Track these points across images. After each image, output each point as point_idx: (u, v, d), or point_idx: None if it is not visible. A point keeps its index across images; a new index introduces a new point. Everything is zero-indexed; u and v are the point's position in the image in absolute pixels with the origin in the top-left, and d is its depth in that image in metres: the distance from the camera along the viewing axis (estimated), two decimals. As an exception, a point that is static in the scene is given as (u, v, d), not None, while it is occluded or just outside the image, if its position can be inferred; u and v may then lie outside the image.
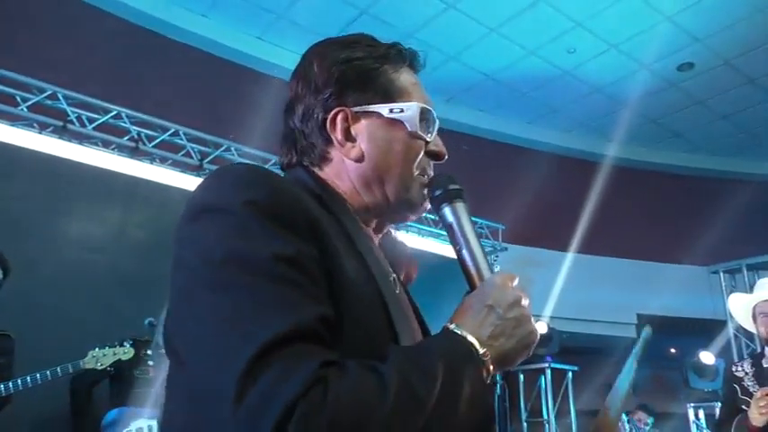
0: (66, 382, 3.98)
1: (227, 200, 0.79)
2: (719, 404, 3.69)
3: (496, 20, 6.47)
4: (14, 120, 4.53)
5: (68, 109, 4.70)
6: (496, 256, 6.98)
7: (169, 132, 5.22)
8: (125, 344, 3.87)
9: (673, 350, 8.94)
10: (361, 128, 1.00)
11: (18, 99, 4.53)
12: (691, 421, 6.89)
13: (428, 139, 1.04)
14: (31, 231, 4.53)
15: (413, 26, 6.36)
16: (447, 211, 0.98)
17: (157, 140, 5.14)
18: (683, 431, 6.92)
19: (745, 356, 5.58)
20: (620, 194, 8.10)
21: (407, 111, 1.01)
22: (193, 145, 5.36)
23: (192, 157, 5.34)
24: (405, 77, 1.05)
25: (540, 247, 7.76)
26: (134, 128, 5.02)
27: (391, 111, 1.00)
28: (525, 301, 0.90)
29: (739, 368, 2.75)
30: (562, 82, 7.47)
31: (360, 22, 6.16)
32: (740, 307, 2.83)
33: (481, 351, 0.82)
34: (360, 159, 1.00)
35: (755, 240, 7.42)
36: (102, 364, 3.74)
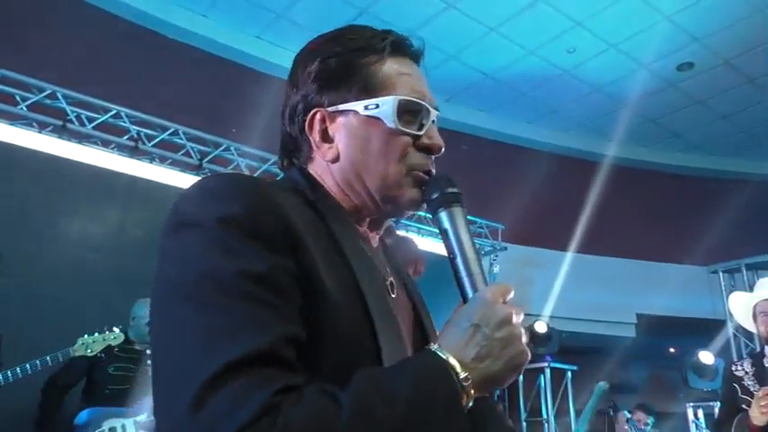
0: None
1: (204, 215, 0.78)
2: (719, 404, 3.69)
3: (496, 19, 6.47)
4: (14, 119, 4.53)
5: (68, 108, 4.70)
6: (496, 256, 6.98)
7: (169, 132, 5.22)
8: (114, 329, 3.87)
9: (672, 350, 8.96)
10: (337, 127, 0.97)
11: (17, 98, 4.53)
12: (690, 421, 6.89)
13: (415, 132, 0.97)
14: (30, 230, 4.53)
15: (413, 25, 6.35)
16: (443, 215, 0.94)
17: (157, 140, 5.14)
18: (683, 431, 6.92)
19: (745, 356, 5.59)
20: (619, 194, 8.11)
21: (383, 106, 0.95)
22: (193, 144, 5.36)
23: (191, 157, 5.34)
24: (389, 68, 0.98)
25: (540, 247, 7.76)
26: (133, 127, 5.02)
27: (366, 108, 0.95)
28: (517, 318, 0.84)
29: (739, 367, 2.75)
30: (562, 81, 7.47)
31: (359, 22, 6.13)
32: (740, 306, 2.83)
33: (462, 375, 0.77)
34: (335, 160, 0.96)
35: (755, 240, 7.42)
36: (92, 351, 3.74)
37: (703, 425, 6.73)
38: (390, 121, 0.94)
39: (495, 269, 6.86)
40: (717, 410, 3.91)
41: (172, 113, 5.32)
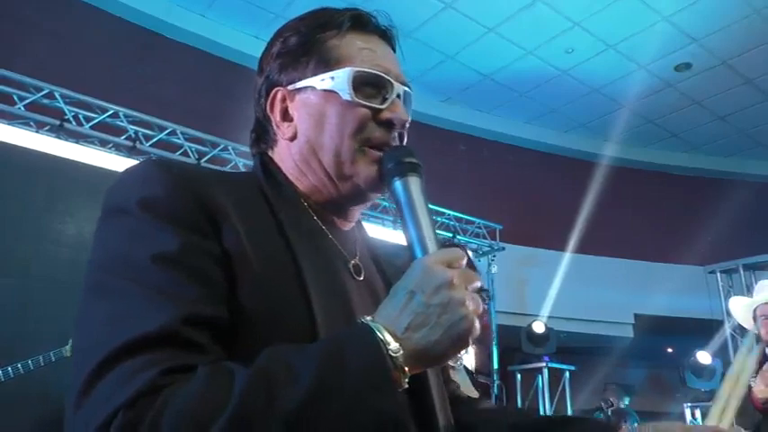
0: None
1: (125, 200, 0.78)
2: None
3: (494, 20, 6.47)
4: (11, 118, 4.52)
5: (65, 108, 4.69)
6: (494, 256, 6.98)
7: (167, 132, 5.21)
8: None
9: (670, 350, 8.97)
10: (296, 105, 0.95)
11: (15, 98, 4.52)
12: (688, 421, 6.89)
13: (376, 106, 0.92)
14: (27, 230, 4.52)
15: (411, 26, 6.36)
16: (397, 185, 0.86)
17: (155, 139, 5.13)
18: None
19: (742, 356, 5.59)
20: (617, 194, 8.12)
21: (337, 78, 0.91)
22: (191, 144, 5.35)
23: (189, 157, 5.33)
24: (348, 42, 0.95)
25: (538, 247, 7.76)
26: (131, 127, 5.01)
27: (322, 81, 0.92)
28: (459, 281, 0.73)
29: (739, 366, 2.76)
30: (560, 82, 7.47)
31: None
32: (740, 309, 2.85)
33: (393, 346, 0.69)
34: (293, 138, 0.94)
35: (752, 240, 7.43)
36: None
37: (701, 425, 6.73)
38: (346, 94, 0.90)
39: (494, 269, 6.86)
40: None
41: (170, 113, 5.31)
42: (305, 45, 0.95)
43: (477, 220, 6.86)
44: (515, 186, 8.18)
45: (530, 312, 7.26)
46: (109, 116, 4.89)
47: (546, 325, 6.89)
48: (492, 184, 7.94)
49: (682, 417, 6.96)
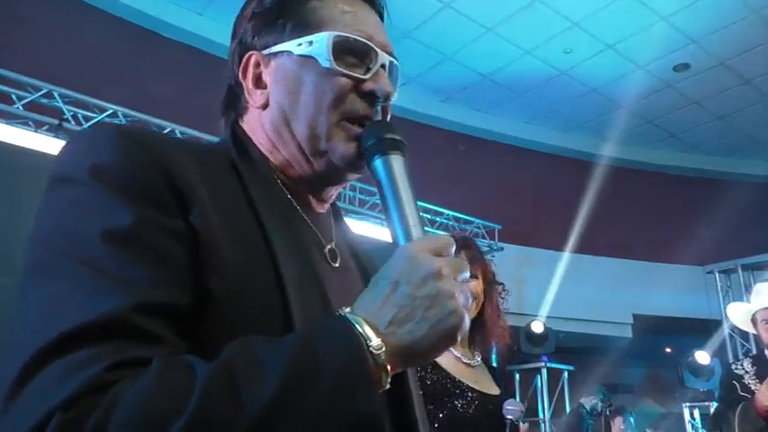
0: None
1: (75, 167, 0.68)
2: (715, 403, 3.70)
3: (493, 20, 6.47)
4: (10, 118, 4.51)
5: (64, 107, 4.68)
6: (493, 256, 6.98)
7: (165, 131, 5.21)
8: None
9: (668, 350, 8.97)
10: (271, 71, 0.86)
11: (14, 97, 4.52)
12: (686, 421, 6.90)
13: (358, 75, 0.83)
14: (25, 230, 4.52)
15: (409, 25, 6.36)
16: (378, 163, 0.79)
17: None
18: (679, 430, 6.94)
19: (742, 357, 5.60)
20: (616, 194, 8.12)
21: (316, 43, 0.82)
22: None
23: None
24: (331, 5, 0.86)
25: (537, 247, 7.77)
26: (130, 126, 5.01)
27: (299, 45, 0.83)
28: (448, 271, 0.67)
29: (739, 366, 2.77)
30: (559, 82, 7.48)
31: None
32: (739, 315, 2.85)
33: (374, 342, 0.62)
34: (266, 106, 0.86)
35: (751, 240, 7.44)
36: None
37: (699, 425, 6.74)
38: (325, 60, 0.82)
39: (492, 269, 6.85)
40: (713, 409, 3.91)
41: (168, 112, 5.31)
42: (282, 5, 0.87)
43: (476, 220, 6.86)
44: (514, 186, 8.19)
45: (528, 312, 7.26)
46: (107, 116, 4.89)
47: (545, 325, 6.89)
48: (491, 184, 7.94)
49: (680, 416, 6.97)
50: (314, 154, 0.84)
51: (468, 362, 1.66)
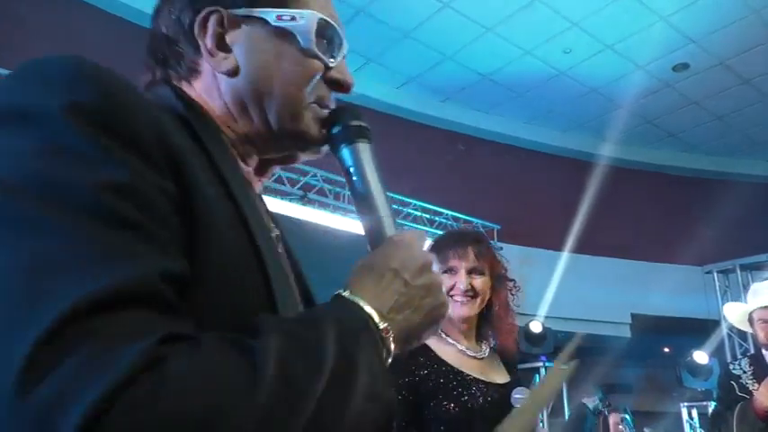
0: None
1: (41, 101, 0.56)
2: (713, 403, 3.71)
3: (492, 19, 6.48)
4: None
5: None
6: (492, 256, 6.99)
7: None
8: None
9: (666, 349, 8.98)
10: (239, 36, 0.78)
11: None
12: (684, 420, 6.92)
13: (329, 63, 0.82)
14: None
15: (409, 25, 6.36)
16: (345, 152, 0.80)
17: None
18: (677, 430, 6.96)
19: (740, 356, 5.62)
20: (615, 194, 8.13)
21: (301, 20, 0.79)
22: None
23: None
24: None
25: (536, 247, 7.78)
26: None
27: (280, 18, 0.78)
28: (436, 266, 0.74)
29: (737, 366, 2.78)
30: (558, 82, 7.48)
31: (355, 22, 6.15)
32: (736, 315, 2.86)
33: (381, 326, 0.65)
34: (233, 73, 0.78)
35: (749, 241, 7.46)
36: None
37: (697, 424, 6.76)
38: (307, 41, 0.79)
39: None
40: (711, 409, 3.92)
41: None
42: None
43: (475, 220, 6.87)
44: (513, 186, 8.19)
45: (527, 312, 7.27)
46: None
47: (543, 325, 6.90)
48: (490, 184, 7.95)
49: (678, 416, 6.98)
50: (281, 132, 0.81)
51: (474, 354, 1.66)
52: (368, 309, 0.65)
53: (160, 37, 0.82)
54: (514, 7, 6.27)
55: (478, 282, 1.67)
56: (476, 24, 6.53)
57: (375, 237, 0.77)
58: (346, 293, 0.67)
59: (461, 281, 1.64)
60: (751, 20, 6.36)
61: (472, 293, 1.65)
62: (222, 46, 0.79)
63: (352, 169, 0.80)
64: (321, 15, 0.80)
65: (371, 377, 0.60)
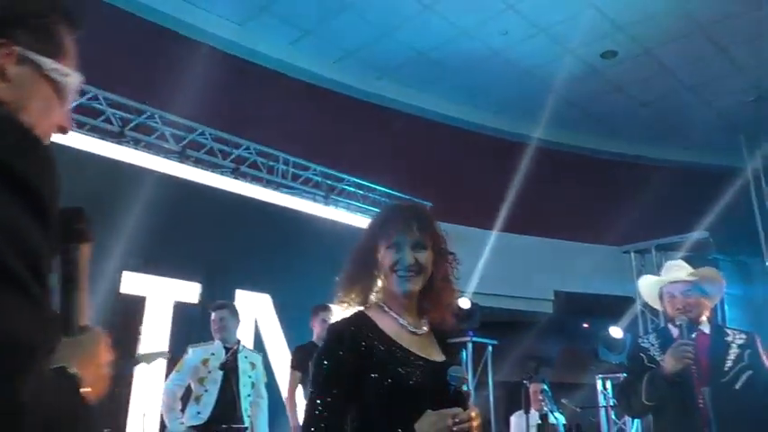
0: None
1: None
2: (624, 374, 3.92)
3: (430, -3, 6.47)
4: None
5: None
6: (423, 233, 7.07)
7: (87, 96, 4.96)
8: None
9: (585, 325, 9.40)
10: (23, 74, 0.82)
11: None
12: (599, 391, 7.30)
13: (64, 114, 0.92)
14: None
15: (347, 0, 6.28)
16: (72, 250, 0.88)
17: (74, 105, 4.86)
18: (592, 400, 7.32)
19: (650, 330, 5.96)
20: (541, 175, 8.38)
21: (72, 78, 0.88)
22: (114, 110, 5.12)
23: (112, 124, 5.10)
24: (69, 39, 0.89)
25: (465, 225, 7.93)
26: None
27: (56, 71, 0.85)
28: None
29: (645, 340, 2.93)
30: (493, 63, 7.59)
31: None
32: (647, 287, 3.00)
33: None
34: (3, 103, 0.80)
35: (665, 223, 7.86)
36: None
37: (611, 394, 7.14)
38: (69, 100, 0.89)
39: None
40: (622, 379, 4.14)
41: (91, 77, 5.04)
42: (42, 17, 0.85)
43: (407, 197, 6.92)
44: (445, 165, 8.30)
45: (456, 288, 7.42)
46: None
47: (471, 300, 7.07)
48: (422, 161, 8.01)
49: (594, 387, 7.36)
50: None
51: (414, 330, 1.66)
52: None
53: None
54: (452, -14, 6.29)
55: (422, 256, 1.66)
56: (414, 1, 6.51)
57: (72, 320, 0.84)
58: None
59: (406, 256, 1.63)
60: (677, 11, 6.63)
61: (417, 269, 1.64)
62: (3, 76, 0.82)
63: (71, 266, 0.87)
64: (78, 79, 0.90)
65: None
